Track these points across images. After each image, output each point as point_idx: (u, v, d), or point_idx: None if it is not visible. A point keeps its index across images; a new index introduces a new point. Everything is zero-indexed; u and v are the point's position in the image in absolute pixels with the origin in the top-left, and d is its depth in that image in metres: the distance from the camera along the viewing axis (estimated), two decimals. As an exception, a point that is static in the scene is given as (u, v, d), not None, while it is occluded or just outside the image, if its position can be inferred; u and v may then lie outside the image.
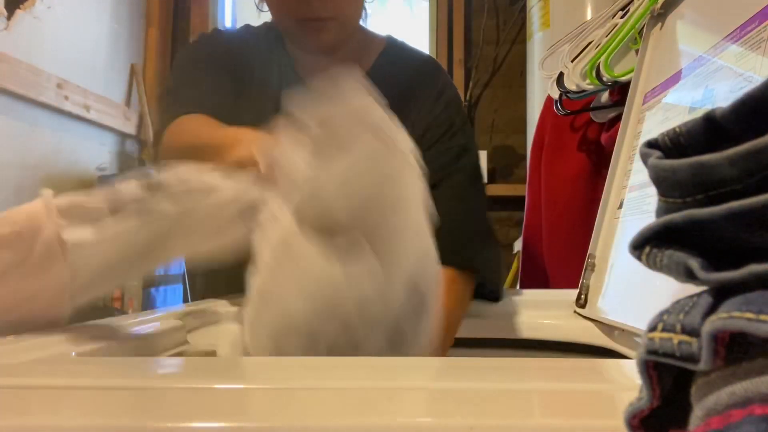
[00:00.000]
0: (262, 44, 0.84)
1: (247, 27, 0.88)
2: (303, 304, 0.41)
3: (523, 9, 2.22)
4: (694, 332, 0.14)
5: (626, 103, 0.75)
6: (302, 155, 0.44)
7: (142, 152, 2.35)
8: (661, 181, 0.16)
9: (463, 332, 0.74)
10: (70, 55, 1.96)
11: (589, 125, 1.15)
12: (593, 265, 0.71)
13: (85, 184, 2.00)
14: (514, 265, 2.05)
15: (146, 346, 0.47)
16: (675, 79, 0.64)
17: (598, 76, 0.92)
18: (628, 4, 0.90)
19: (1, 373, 0.33)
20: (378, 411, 0.26)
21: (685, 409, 0.14)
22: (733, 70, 0.51)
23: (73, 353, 0.39)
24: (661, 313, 0.15)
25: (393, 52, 0.87)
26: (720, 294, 0.14)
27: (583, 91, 1.00)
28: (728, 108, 0.15)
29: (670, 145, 0.16)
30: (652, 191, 0.16)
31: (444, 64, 2.40)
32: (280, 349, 0.42)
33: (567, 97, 1.06)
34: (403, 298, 0.42)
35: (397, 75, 0.83)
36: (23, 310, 0.43)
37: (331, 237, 0.42)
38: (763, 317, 0.12)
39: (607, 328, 0.66)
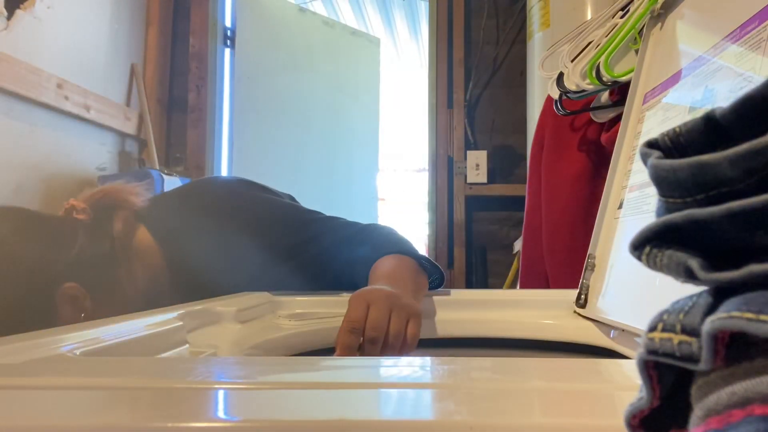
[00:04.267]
0: None
1: None
2: None
3: (523, 9, 2.22)
4: (694, 332, 0.14)
5: (626, 103, 0.75)
6: None
7: (142, 152, 2.35)
8: (661, 181, 0.16)
9: (463, 332, 0.74)
10: (70, 55, 1.96)
11: (589, 125, 1.15)
12: (593, 265, 0.71)
13: (85, 184, 2.00)
14: (514, 265, 2.05)
15: (146, 346, 0.47)
16: (675, 79, 0.64)
17: (598, 76, 0.92)
18: (628, 4, 0.90)
19: (1, 373, 0.33)
20: (379, 410, 0.26)
21: (685, 409, 0.14)
22: (733, 70, 0.51)
23: (74, 353, 0.39)
24: (661, 313, 0.15)
25: (154, 208, 0.85)
26: (720, 294, 0.14)
27: (583, 91, 0.99)
28: (728, 108, 0.15)
29: (670, 145, 0.16)
30: (652, 191, 0.16)
31: (444, 64, 2.41)
32: None
33: (567, 97, 1.06)
34: None
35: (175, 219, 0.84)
36: None
37: None
38: (763, 317, 0.12)
39: (607, 328, 0.66)
